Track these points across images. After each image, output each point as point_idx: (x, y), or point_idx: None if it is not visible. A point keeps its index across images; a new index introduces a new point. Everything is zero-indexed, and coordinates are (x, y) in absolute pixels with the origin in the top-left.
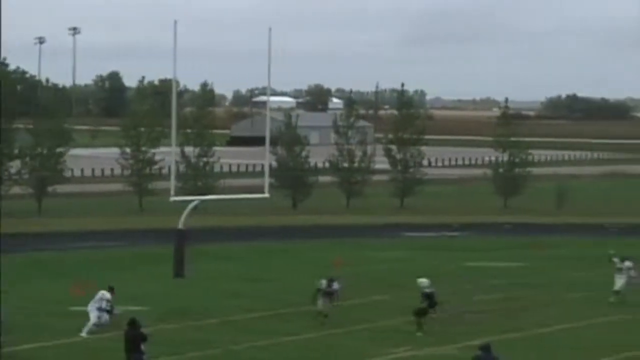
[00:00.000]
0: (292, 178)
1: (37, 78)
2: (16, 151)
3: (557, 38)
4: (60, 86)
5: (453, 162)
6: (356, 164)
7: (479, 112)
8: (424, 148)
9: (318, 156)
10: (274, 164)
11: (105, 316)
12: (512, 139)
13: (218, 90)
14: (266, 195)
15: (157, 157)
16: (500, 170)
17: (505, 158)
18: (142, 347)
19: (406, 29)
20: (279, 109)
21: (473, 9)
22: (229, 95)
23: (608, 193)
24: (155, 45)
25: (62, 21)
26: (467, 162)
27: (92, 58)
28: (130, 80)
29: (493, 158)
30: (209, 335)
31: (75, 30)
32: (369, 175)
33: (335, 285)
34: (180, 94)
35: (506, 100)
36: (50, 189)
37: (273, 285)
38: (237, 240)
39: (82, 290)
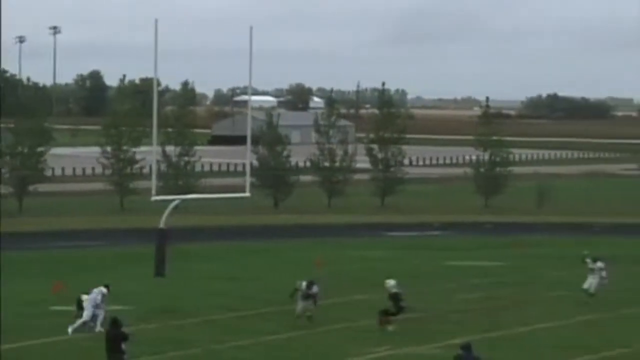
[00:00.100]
0: (274, 177)
1: (17, 77)
2: None
3: (538, 37)
4: (41, 85)
5: (434, 162)
6: (337, 163)
7: (460, 112)
8: (405, 147)
9: (299, 155)
10: (255, 163)
11: (99, 313)
12: (493, 138)
13: (199, 89)
14: (247, 194)
15: (138, 157)
16: (481, 169)
17: (486, 157)
18: (123, 346)
19: (387, 29)
20: (260, 108)
21: (454, 9)
22: (210, 94)
23: (588, 192)
24: (136, 44)
25: (42, 20)
26: (448, 161)
27: (73, 57)
28: (111, 80)
29: (474, 157)
30: (190, 334)
31: (55, 29)
32: (350, 175)
33: (315, 289)
34: (162, 93)
35: (487, 99)
36: (31, 188)
37: (254, 284)
38: (219, 239)
39: (62, 289)
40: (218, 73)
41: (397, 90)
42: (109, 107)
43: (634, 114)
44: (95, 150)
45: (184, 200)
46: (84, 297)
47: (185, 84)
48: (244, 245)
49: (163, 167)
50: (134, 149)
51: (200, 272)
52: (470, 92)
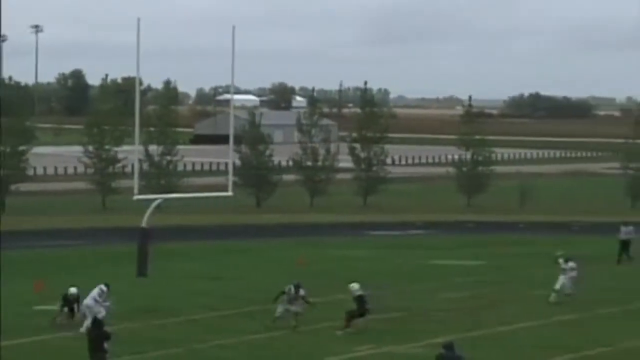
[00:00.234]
0: (256, 176)
1: None
2: None
3: (520, 37)
4: (23, 84)
5: (416, 161)
6: (320, 163)
7: (443, 111)
8: (387, 146)
9: (282, 155)
10: (238, 162)
11: (102, 309)
12: (476, 137)
13: (181, 88)
14: (230, 193)
15: (120, 156)
16: (464, 168)
17: (469, 156)
18: (106, 346)
19: (370, 28)
20: (243, 108)
21: (436, 9)
22: (193, 93)
23: (570, 191)
24: (118, 44)
25: (24, 19)
26: (430, 160)
27: (55, 56)
28: (93, 79)
29: (456, 156)
30: (173, 334)
31: (37, 28)
32: (332, 174)
33: (302, 292)
34: (144, 92)
35: (470, 98)
36: (12, 187)
37: (237, 284)
38: (201, 239)
39: (43, 288)
40: (200, 72)
41: (379, 90)
42: (91, 106)
43: (615, 113)
44: (78, 149)
45: (166, 200)
46: (71, 289)
47: (167, 83)
48: (226, 244)
49: (145, 166)
50: (116, 148)
51: (182, 271)
52: (453, 91)
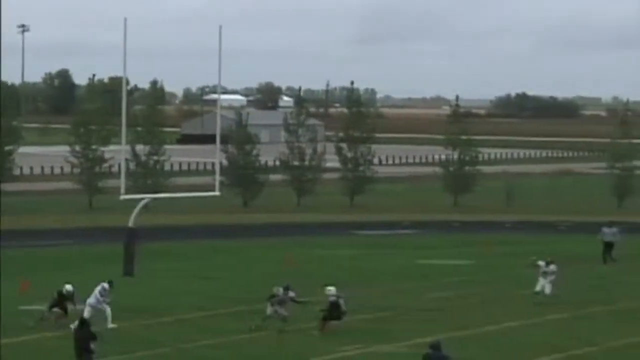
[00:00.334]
0: (243, 176)
1: None
2: None
3: (507, 37)
4: (9, 84)
5: (403, 161)
6: (307, 162)
7: (429, 111)
8: (374, 146)
9: (269, 154)
10: (225, 162)
11: (105, 306)
12: (462, 137)
13: (168, 88)
14: (217, 193)
15: (107, 155)
16: (450, 168)
17: (456, 156)
18: (92, 346)
19: (357, 28)
20: (230, 107)
21: (423, 8)
22: (180, 93)
23: (557, 191)
24: (105, 43)
25: (10, 19)
26: (417, 160)
27: (42, 55)
28: (79, 78)
29: (443, 156)
30: (160, 334)
31: (24, 28)
32: (319, 174)
33: (291, 294)
34: (131, 92)
35: (457, 98)
36: None
37: (224, 283)
38: (188, 238)
39: (28, 288)
40: (187, 72)
41: (366, 90)
42: (77, 106)
43: (602, 113)
44: (64, 149)
45: (153, 199)
46: (67, 286)
47: (154, 83)
48: (213, 244)
49: (132, 166)
50: (102, 148)
51: (169, 271)
52: (440, 91)
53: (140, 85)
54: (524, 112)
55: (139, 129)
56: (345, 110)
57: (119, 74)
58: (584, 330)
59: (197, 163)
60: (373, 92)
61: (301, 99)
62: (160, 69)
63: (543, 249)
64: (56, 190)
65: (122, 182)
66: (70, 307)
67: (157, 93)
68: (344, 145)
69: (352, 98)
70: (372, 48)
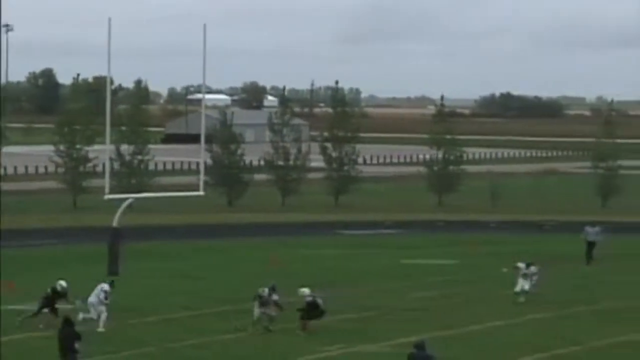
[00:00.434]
0: (228, 176)
1: None
2: None
3: (492, 37)
4: None
5: (388, 160)
6: (291, 162)
7: (414, 110)
8: (359, 146)
9: (253, 154)
10: (209, 161)
11: (103, 309)
12: (447, 136)
13: (153, 87)
14: (201, 193)
15: (91, 155)
16: (435, 168)
17: (440, 156)
18: (77, 345)
19: (341, 27)
20: (214, 107)
21: (408, 8)
22: (164, 92)
23: (541, 190)
24: (89, 43)
25: None
26: (402, 160)
27: (25, 55)
28: (63, 78)
29: (428, 156)
30: (145, 333)
31: (7, 27)
32: (304, 173)
33: (275, 296)
34: (115, 91)
35: (442, 98)
36: None
37: (209, 283)
38: (172, 238)
39: (13, 288)
40: (172, 71)
41: (351, 89)
42: (62, 106)
43: (586, 112)
44: (49, 148)
45: (137, 199)
46: (61, 282)
47: (138, 83)
48: (198, 244)
49: (116, 165)
50: (87, 148)
51: (154, 271)
52: (424, 90)
53: (124, 85)
54: (509, 111)
55: (123, 128)
56: (329, 109)
57: (104, 73)
58: (568, 330)
59: (182, 163)
60: (358, 91)
61: (286, 99)
62: (145, 69)
63: (527, 249)
64: (40, 190)
65: (106, 181)
66: (63, 303)
67: (141, 92)
68: (328, 144)
69: (337, 98)
70: (356, 48)
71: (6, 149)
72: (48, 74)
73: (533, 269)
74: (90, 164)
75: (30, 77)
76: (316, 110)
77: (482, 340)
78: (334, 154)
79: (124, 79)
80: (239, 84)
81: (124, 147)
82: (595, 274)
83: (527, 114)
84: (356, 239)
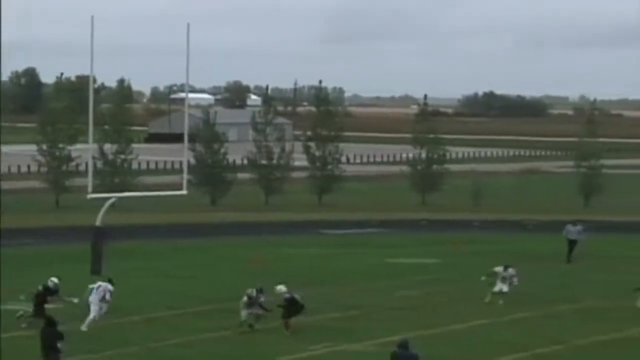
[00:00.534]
0: (211, 175)
1: None
2: None
3: (475, 36)
4: None
5: (371, 159)
6: (275, 161)
7: (397, 109)
8: (342, 145)
9: (236, 153)
10: (192, 161)
11: (104, 307)
12: (430, 136)
13: (136, 86)
14: (184, 192)
15: (74, 154)
16: (418, 167)
17: (423, 155)
18: (59, 345)
19: (324, 26)
20: (197, 106)
21: (391, 7)
22: (147, 91)
23: (524, 190)
24: (71, 41)
25: None
26: (385, 159)
27: (8, 54)
28: (46, 77)
29: (411, 155)
30: (128, 332)
31: None
32: (287, 172)
33: (262, 298)
34: (98, 90)
35: (425, 97)
36: None
37: (192, 282)
38: (155, 237)
39: None
40: (155, 70)
41: (334, 88)
42: (44, 105)
43: (569, 112)
44: (31, 148)
45: (120, 198)
46: (53, 279)
47: (121, 82)
48: (181, 243)
49: (99, 164)
50: (70, 147)
51: (137, 270)
52: (408, 90)
53: (107, 84)
54: (492, 111)
55: (106, 127)
56: (313, 109)
57: (86, 72)
58: (551, 329)
59: (165, 162)
60: (341, 91)
61: (269, 98)
62: (128, 68)
63: (510, 248)
64: (23, 189)
65: (89, 180)
66: (55, 300)
67: (124, 91)
68: (312, 144)
69: (320, 97)
70: (340, 47)
71: None
72: (31, 73)
73: (511, 270)
74: (73, 163)
75: (13, 76)
76: (299, 109)
77: (465, 338)
78: (317, 153)
79: (107, 78)
80: (222, 83)
81: (107, 146)
82: (576, 272)
83: (510, 113)
84: (340, 238)
